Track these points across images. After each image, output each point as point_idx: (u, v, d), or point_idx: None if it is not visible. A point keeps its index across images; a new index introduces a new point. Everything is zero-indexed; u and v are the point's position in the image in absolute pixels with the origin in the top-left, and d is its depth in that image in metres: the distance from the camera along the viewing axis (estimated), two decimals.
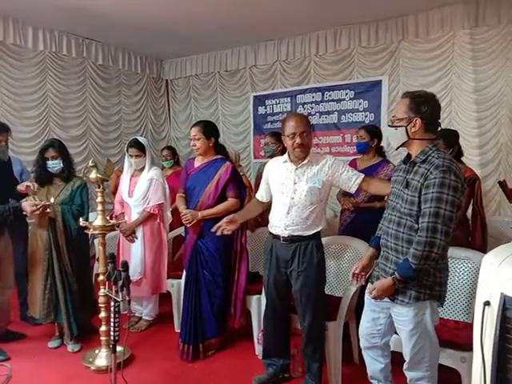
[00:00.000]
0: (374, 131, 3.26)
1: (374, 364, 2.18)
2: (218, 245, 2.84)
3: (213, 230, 2.52)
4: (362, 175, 2.36)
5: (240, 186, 2.88)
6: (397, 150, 2.00)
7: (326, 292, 2.83)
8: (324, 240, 2.95)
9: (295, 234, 2.35)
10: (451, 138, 2.97)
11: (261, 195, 2.62)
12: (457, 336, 2.18)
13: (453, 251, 2.58)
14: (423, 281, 1.82)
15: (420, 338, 1.89)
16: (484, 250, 2.80)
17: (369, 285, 2.07)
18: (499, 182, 2.93)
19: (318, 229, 2.38)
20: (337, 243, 2.98)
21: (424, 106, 1.79)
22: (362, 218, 3.10)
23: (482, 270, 1.26)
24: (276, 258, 2.44)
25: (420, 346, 1.90)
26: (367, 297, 2.09)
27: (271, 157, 3.83)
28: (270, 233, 2.48)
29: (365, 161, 3.26)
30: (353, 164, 3.36)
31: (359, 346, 2.76)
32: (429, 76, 4.77)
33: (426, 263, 1.74)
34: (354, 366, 2.75)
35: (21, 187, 2.91)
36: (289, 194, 2.35)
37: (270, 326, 2.57)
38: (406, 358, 1.97)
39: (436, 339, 1.95)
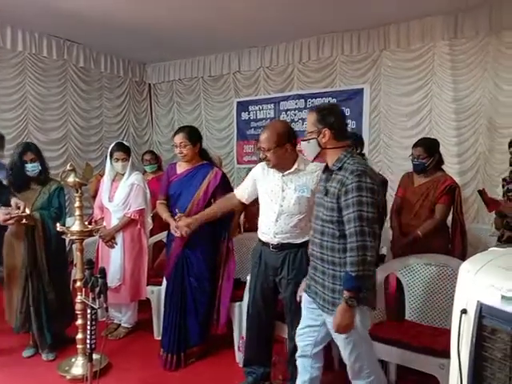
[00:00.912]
0: (356, 138, 3.28)
1: (303, 374, 2.16)
2: (204, 247, 2.81)
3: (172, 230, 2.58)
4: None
5: (228, 190, 2.84)
6: (312, 161, 2.08)
7: None
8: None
9: (285, 241, 2.32)
10: (432, 147, 3.01)
11: (242, 194, 2.55)
12: (435, 342, 2.20)
13: (432, 258, 2.63)
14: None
15: (355, 345, 1.90)
16: (463, 257, 2.83)
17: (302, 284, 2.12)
18: (479, 191, 2.98)
19: (308, 237, 2.29)
20: None
21: (330, 117, 1.88)
22: None
23: (460, 277, 1.27)
24: (265, 265, 2.41)
25: (357, 353, 1.91)
26: (304, 305, 2.11)
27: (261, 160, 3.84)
28: (260, 240, 2.45)
29: None
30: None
31: (339, 352, 2.79)
32: (409, 85, 4.86)
33: (364, 268, 1.73)
34: (334, 372, 2.75)
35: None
36: (277, 201, 2.32)
37: (253, 334, 2.54)
38: (348, 367, 1.99)
39: (371, 344, 1.98)
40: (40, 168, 2.98)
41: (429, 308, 2.53)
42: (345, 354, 1.94)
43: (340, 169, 1.86)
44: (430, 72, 4.74)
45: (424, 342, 2.21)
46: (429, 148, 2.98)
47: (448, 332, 2.35)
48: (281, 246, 2.33)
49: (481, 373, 1.14)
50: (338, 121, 1.90)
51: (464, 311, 1.19)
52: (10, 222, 2.63)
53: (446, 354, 2.08)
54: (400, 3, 4.26)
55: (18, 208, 2.63)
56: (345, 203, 1.79)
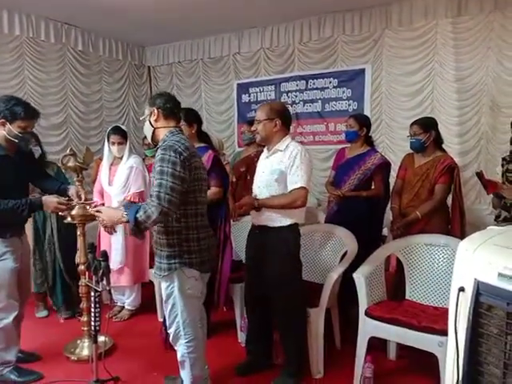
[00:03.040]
0: (363, 120, 3.27)
1: None
2: None
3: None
4: (297, 186, 2.26)
5: (222, 175, 2.85)
6: (152, 142, 2.17)
7: (308, 279, 2.86)
8: (308, 228, 3.00)
9: (262, 224, 2.38)
10: (427, 123, 3.02)
11: None
12: (434, 321, 2.21)
13: (432, 238, 2.64)
14: (171, 252, 2.01)
15: (172, 310, 2.08)
16: (462, 237, 2.83)
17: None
18: (477, 173, 2.97)
19: (290, 221, 2.33)
20: (320, 231, 3.00)
21: (158, 99, 2.08)
22: (347, 207, 3.12)
23: (458, 256, 1.28)
24: (251, 245, 2.53)
25: (174, 315, 2.07)
26: None
27: (248, 145, 3.85)
28: None
29: (353, 150, 3.27)
30: (341, 153, 3.38)
31: (341, 331, 2.83)
32: (411, 64, 4.78)
33: (146, 221, 1.88)
34: (336, 351, 2.80)
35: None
36: (256, 183, 2.46)
37: (251, 311, 2.60)
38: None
39: (193, 308, 2.09)
40: (40, 151, 3.10)
41: (429, 288, 2.55)
42: (166, 318, 2.12)
43: (161, 146, 2.00)
44: (432, 51, 4.66)
45: (423, 321, 2.23)
46: (424, 124, 2.99)
47: (447, 311, 2.39)
48: (260, 229, 2.39)
49: (477, 349, 1.16)
50: (166, 102, 2.05)
51: (462, 289, 1.21)
52: (62, 211, 2.50)
53: (445, 332, 2.12)
54: None
55: (79, 197, 2.59)
56: (154, 171, 1.98)
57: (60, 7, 4.69)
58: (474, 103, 4.48)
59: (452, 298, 1.25)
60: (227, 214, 2.81)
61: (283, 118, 2.38)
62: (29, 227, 3.13)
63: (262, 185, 2.39)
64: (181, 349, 2.13)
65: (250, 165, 3.48)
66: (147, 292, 3.54)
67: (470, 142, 4.51)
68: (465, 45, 4.50)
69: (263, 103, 2.50)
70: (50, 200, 2.40)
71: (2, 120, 2.30)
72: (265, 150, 2.49)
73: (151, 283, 3.42)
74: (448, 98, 4.60)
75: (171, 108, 2.08)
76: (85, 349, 2.79)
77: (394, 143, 4.90)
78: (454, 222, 3.04)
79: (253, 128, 2.46)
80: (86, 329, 2.80)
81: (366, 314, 2.37)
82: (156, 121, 2.08)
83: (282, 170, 2.29)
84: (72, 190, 2.59)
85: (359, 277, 2.43)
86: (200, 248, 2.05)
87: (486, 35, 4.40)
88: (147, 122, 2.11)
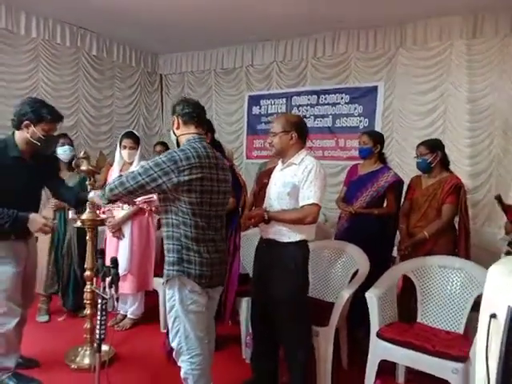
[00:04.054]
0: (377, 137, 3.25)
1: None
2: None
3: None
4: (309, 202, 2.20)
5: (235, 186, 2.81)
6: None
7: (316, 296, 2.81)
8: (318, 244, 2.94)
9: (270, 237, 2.31)
10: (433, 144, 3.08)
11: None
12: (449, 347, 2.16)
13: (446, 260, 2.60)
14: (170, 258, 1.99)
15: (174, 324, 2.01)
16: (467, 258, 2.81)
17: None
18: (496, 197, 2.94)
19: (300, 237, 2.27)
20: (331, 248, 2.96)
21: (178, 106, 2.08)
22: (358, 224, 3.09)
23: (489, 281, 1.23)
24: (259, 260, 2.46)
25: (176, 330, 2.01)
26: None
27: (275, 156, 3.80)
28: None
29: (366, 166, 3.24)
30: (353, 169, 3.35)
31: (349, 351, 2.77)
32: (425, 84, 4.78)
33: (110, 194, 1.98)
34: (343, 372, 2.72)
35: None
36: (268, 195, 2.41)
37: (257, 326, 2.52)
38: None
39: (197, 327, 1.99)
40: (72, 153, 3.23)
41: (442, 311, 2.50)
42: (170, 330, 2.06)
43: None
44: (446, 71, 4.66)
45: (437, 346, 2.18)
46: (430, 145, 3.05)
47: (461, 336, 2.33)
48: (268, 243, 2.32)
49: (509, 379, 1.11)
50: (185, 108, 2.04)
51: (493, 315, 1.16)
52: (47, 233, 2.40)
53: (460, 359, 2.08)
54: (418, 2, 4.19)
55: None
56: None
57: (76, 11, 4.72)
58: (487, 125, 4.46)
59: (482, 325, 1.20)
60: (238, 226, 2.76)
61: (299, 131, 2.34)
62: None
63: (274, 197, 2.34)
64: (184, 365, 2.06)
65: None
66: (151, 301, 3.48)
67: (482, 165, 4.47)
68: (479, 67, 4.49)
69: (279, 115, 2.47)
70: (37, 220, 2.24)
71: (27, 122, 2.26)
72: (279, 162, 2.45)
73: (155, 292, 3.36)
74: (460, 119, 4.58)
75: (189, 113, 2.04)
76: (86, 357, 2.73)
77: (404, 162, 4.86)
78: (460, 243, 3.04)
79: (268, 140, 2.41)
80: (88, 336, 2.75)
81: (378, 335, 2.32)
82: (177, 128, 2.07)
83: (295, 183, 2.24)
84: (92, 194, 2.48)
85: (372, 297, 2.37)
86: (201, 261, 1.97)
87: (501, 58, 4.40)
88: (171, 131, 2.11)
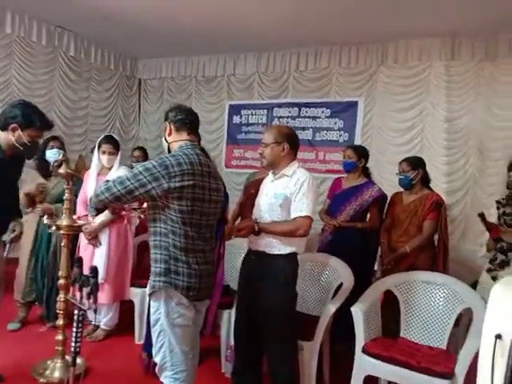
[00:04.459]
0: (362, 151, 3.27)
1: None
2: None
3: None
4: (302, 214, 2.14)
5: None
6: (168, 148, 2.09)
7: (301, 310, 2.76)
8: (301, 256, 2.89)
9: (260, 249, 2.24)
10: (415, 162, 3.12)
11: None
12: (434, 363, 2.15)
13: (429, 276, 2.61)
14: (157, 268, 1.90)
15: (158, 338, 1.93)
16: (445, 273, 2.87)
17: None
18: (479, 215, 3.00)
19: (290, 250, 2.21)
20: (314, 260, 2.93)
21: (170, 112, 2.03)
22: (342, 238, 3.08)
23: (492, 301, 1.22)
24: (246, 271, 2.37)
25: (160, 344, 1.93)
26: None
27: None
28: None
29: (350, 180, 3.25)
30: (337, 183, 3.34)
31: (330, 367, 2.73)
32: (404, 102, 4.90)
33: (96, 201, 1.89)
34: None
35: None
36: (256, 206, 2.34)
37: (241, 339, 2.43)
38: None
39: (182, 341, 1.91)
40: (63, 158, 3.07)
41: (425, 327, 2.50)
42: (153, 343, 1.97)
43: None
44: (425, 91, 4.80)
45: (422, 361, 2.17)
46: (412, 162, 3.10)
47: (445, 352, 2.34)
48: (257, 254, 2.25)
49: None
50: (178, 115, 1.99)
51: (498, 336, 1.15)
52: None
53: (446, 375, 2.08)
54: (400, 22, 4.32)
55: None
56: None
57: (54, 9, 4.59)
58: (463, 145, 4.61)
59: (485, 346, 1.19)
60: (223, 235, 2.69)
61: (291, 143, 2.30)
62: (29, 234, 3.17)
63: (264, 208, 2.29)
64: (166, 381, 1.95)
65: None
66: (124, 310, 3.34)
67: (458, 182, 4.60)
68: (456, 88, 4.65)
69: (270, 125, 2.44)
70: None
71: (15, 125, 2.19)
72: (270, 173, 2.41)
73: (130, 301, 3.23)
74: (437, 137, 4.72)
75: (182, 120, 1.99)
76: (56, 370, 2.56)
77: (382, 177, 4.91)
78: (438, 258, 3.10)
79: (259, 151, 2.36)
80: (59, 348, 2.58)
81: (364, 350, 2.29)
82: (169, 135, 2.02)
83: (287, 195, 2.19)
84: None
85: (357, 311, 2.35)
86: (189, 272, 1.88)
87: (477, 81, 4.57)
88: (163, 138, 2.06)
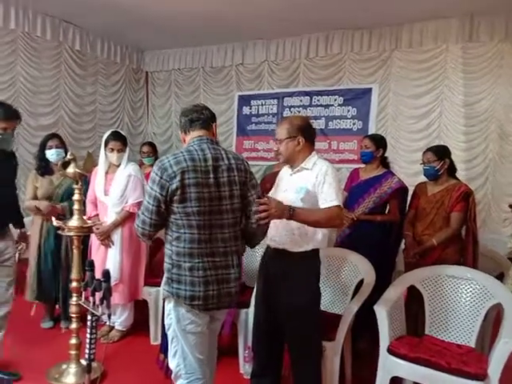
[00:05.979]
0: (380, 141, 3.12)
1: None
2: None
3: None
4: (333, 204, 1.99)
5: None
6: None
7: (322, 308, 2.66)
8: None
9: (280, 247, 2.12)
10: (441, 151, 2.96)
11: None
12: (465, 363, 2.04)
13: (456, 270, 2.49)
14: (164, 277, 1.87)
15: (172, 344, 1.87)
16: (475, 267, 2.73)
17: None
18: (510, 206, 2.86)
19: (313, 246, 2.10)
20: (332, 256, 2.82)
21: (180, 118, 1.97)
22: (360, 231, 2.96)
23: None
24: (266, 270, 2.26)
25: (174, 350, 1.87)
26: None
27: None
28: None
29: (368, 171, 3.11)
30: (355, 174, 3.22)
31: (353, 365, 2.64)
32: (420, 87, 4.72)
33: (144, 239, 1.90)
34: None
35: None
36: None
37: (260, 341, 2.34)
38: None
39: (197, 349, 1.83)
40: (63, 155, 3.07)
41: (452, 323, 2.39)
42: (169, 348, 1.92)
43: None
44: (441, 75, 4.61)
45: (452, 362, 2.06)
46: (438, 152, 2.93)
47: (474, 351, 2.23)
48: (278, 252, 2.13)
49: None
50: (182, 117, 1.94)
51: None
52: None
53: (479, 377, 1.97)
54: (414, 3, 4.12)
55: None
56: None
57: (58, 3, 4.47)
58: (482, 130, 4.43)
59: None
60: None
61: (306, 135, 2.16)
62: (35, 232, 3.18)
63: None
64: None
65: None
66: (139, 310, 3.26)
67: (477, 169, 4.44)
68: (474, 71, 4.46)
69: (282, 118, 2.29)
70: None
71: None
72: (286, 166, 2.29)
73: (143, 301, 3.16)
74: (456, 122, 4.54)
75: (185, 121, 1.92)
76: (70, 375, 2.51)
77: (398, 165, 4.78)
78: (467, 252, 2.93)
79: (274, 148, 2.23)
80: (73, 353, 2.53)
81: (389, 351, 2.18)
82: (184, 141, 1.96)
83: (309, 188, 2.06)
84: None
85: (381, 310, 2.24)
86: (192, 280, 1.77)
87: (497, 63, 4.37)
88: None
